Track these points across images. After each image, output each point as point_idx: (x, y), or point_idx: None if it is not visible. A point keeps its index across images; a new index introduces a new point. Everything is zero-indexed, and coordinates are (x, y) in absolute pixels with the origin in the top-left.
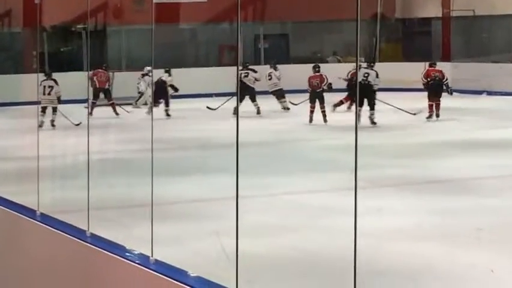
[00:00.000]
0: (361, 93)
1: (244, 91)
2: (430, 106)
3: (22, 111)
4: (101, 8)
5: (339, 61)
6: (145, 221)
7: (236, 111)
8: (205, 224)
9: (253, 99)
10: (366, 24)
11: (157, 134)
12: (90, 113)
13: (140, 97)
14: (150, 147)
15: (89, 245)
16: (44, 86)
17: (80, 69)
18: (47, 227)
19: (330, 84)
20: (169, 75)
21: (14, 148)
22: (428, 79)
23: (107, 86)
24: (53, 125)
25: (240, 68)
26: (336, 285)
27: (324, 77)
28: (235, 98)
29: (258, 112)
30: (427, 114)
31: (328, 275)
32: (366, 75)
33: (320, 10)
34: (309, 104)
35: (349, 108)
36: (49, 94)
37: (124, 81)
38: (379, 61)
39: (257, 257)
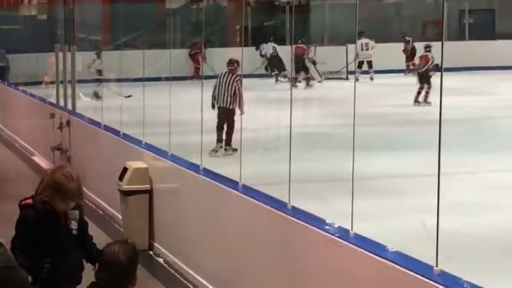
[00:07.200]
0: None
1: None
2: None
3: None
4: None
5: None
6: (346, 195)
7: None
8: (405, 200)
9: None
10: None
11: (361, 108)
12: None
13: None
14: (353, 121)
15: (289, 217)
16: None
17: (283, 43)
18: (249, 198)
19: None
20: None
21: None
22: None
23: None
24: None
25: None
26: None
27: None
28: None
29: None
30: None
31: None
32: None
33: None
34: None
35: None
36: None
37: (326, 56)
38: None
39: (457, 235)
